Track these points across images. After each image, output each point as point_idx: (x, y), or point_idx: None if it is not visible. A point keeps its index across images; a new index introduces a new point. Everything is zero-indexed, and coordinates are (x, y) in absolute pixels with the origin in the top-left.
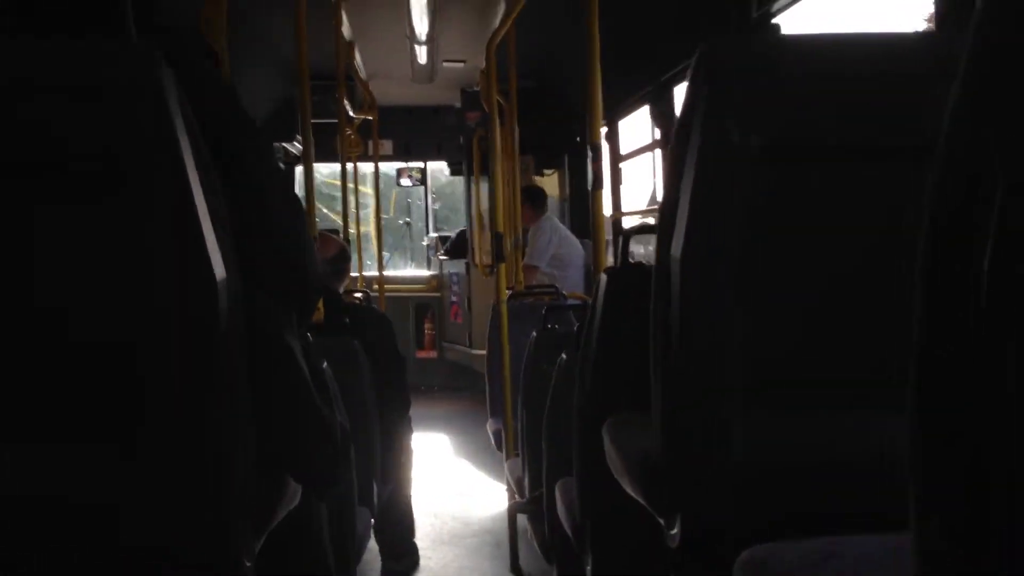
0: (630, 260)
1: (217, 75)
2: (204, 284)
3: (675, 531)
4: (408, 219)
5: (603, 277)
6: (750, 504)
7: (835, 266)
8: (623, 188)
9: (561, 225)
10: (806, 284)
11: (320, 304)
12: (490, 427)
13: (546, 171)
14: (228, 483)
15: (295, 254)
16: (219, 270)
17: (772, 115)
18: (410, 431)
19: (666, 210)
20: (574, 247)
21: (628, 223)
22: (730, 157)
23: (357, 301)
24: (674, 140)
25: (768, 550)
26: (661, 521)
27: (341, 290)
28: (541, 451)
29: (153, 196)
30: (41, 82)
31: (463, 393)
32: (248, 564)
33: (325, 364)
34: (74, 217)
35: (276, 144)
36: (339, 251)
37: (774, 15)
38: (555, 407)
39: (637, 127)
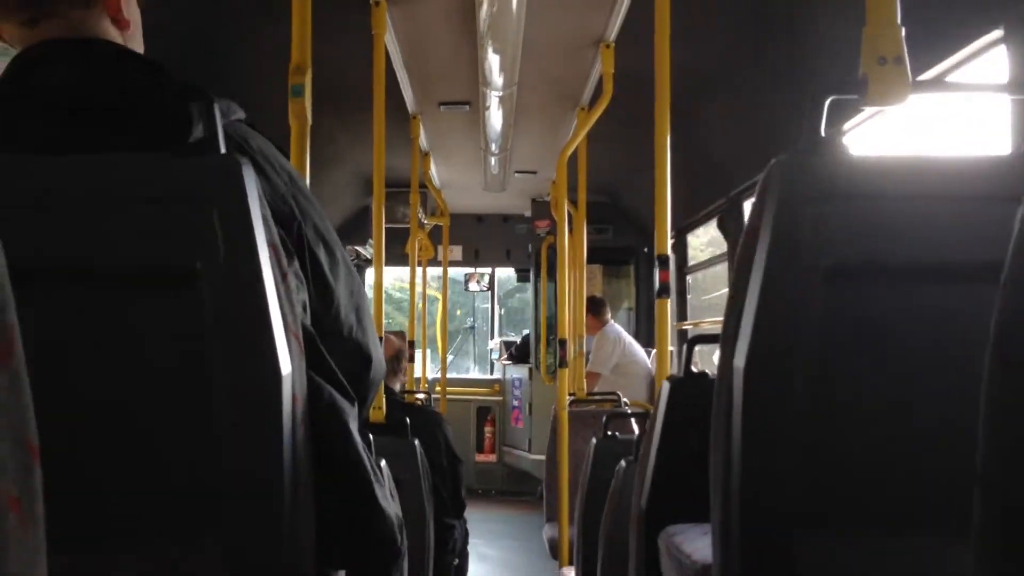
0: (693, 369)
1: (299, 182)
2: (269, 379)
3: None
4: (473, 322)
5: (665, 385)
6: None
7: (904, 389)
8: (690, 298)
9: (626, 334)
10: (873, 405)
11: (383, 403)
12: (546, 533)
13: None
14: None
15: (359, 341)
16: (285, 366)
17: (841, 235)
18: (465, 534)
19: (730, 319)
20: (638, 356)
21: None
22: (797, 275)
23: (418, 402)
24: (740, 250)
25: None
26: None
27: (398, 389)
28: (597, 560)
29: (226, 297)
30: (129, 194)
31: (522, 498)
32: None
33: (384, 462)
34: (150, 317)
35: (349, 247)
36: (396, 351)
37: (844, 134)
38: (612, 515)
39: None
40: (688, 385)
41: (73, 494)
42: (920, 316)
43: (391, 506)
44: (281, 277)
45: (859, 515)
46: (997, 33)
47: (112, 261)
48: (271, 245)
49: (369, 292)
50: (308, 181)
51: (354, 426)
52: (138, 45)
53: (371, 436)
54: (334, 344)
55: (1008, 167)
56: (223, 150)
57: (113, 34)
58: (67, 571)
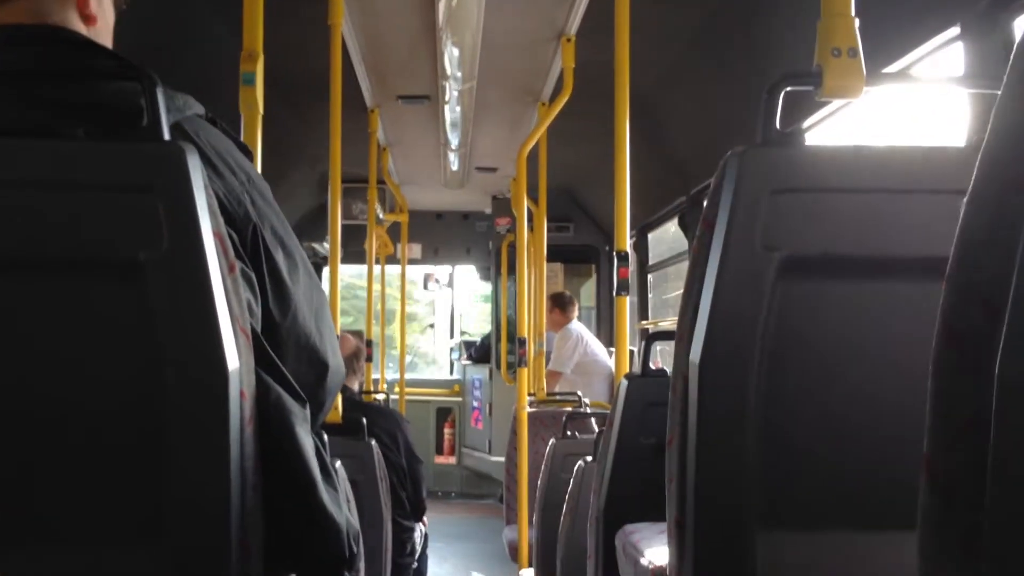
0: (652, 366)
1: (258, 183)
2: (216, 374)
3: None
4: (432, 322)
5: (623, 382)
6: None
7: (858, 383)
8: (652, 296)
9: (587, 332)
10: (828, 400)
11: (338, 403)
12: (505, 536)
13: (577, 279)
14: None
15: (316, 347)
16: (232, 361)
17: (796, 228)
18: (424, 537)
19: (686, 313)
20: (599, 355)
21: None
22: (751, 268)
23: (377, 402)
24: (695, 244)
25: None
26: None
27: (356, 388)
28: (555, 561)
29: (172, 290)
30: (70, 180)
31: (482, 501)
32: None
33: (339, 463)
34: (92, 309)
35: (305, 244)
36: (354, 349)
37: (803, 132)
38: (571, 516)
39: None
40: (646, 383)
41: (7, 489)
42: (874, 310)
43: (339, 511)
44: (228, 269)
45: (815, 510)
46: (954, 30)
47: (52, 250)
48: (217, 236)
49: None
50: (261, 173)
51: (302, 428)
52: (106, 44)
53: (326, 436)
54: (290, 350)
55: (962, 160)
56: (167, 137)
57: (79, 27)
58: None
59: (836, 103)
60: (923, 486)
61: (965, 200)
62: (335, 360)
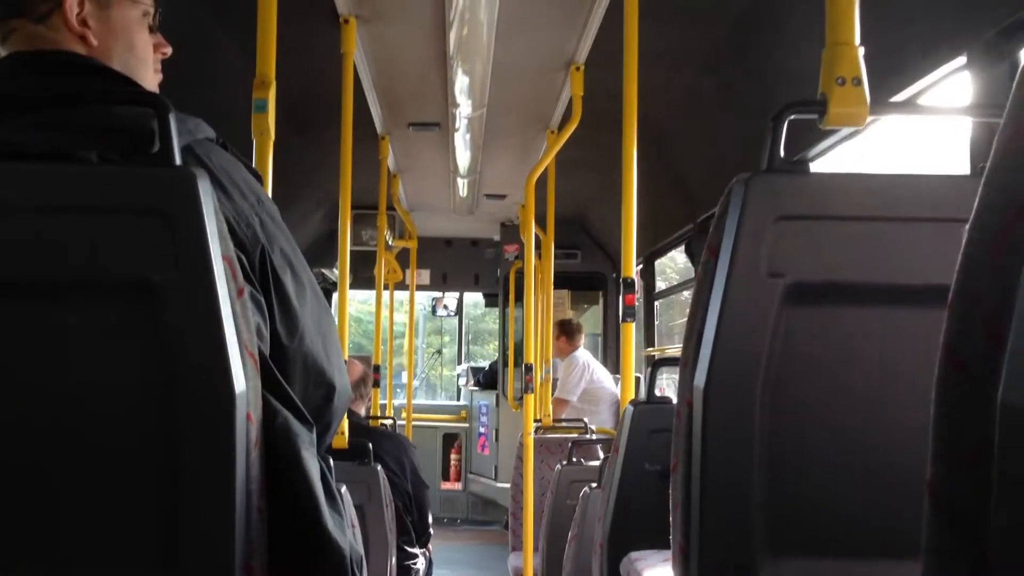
0: (658, 393)
1: (267, 205)
2: (223, 397)
3: None
4: (441, 349)
5: (628, 409)
6: None
7: (863, 411)
8: (659, 324)
9: (594, 360)
10: (833, 427)
11: (344, 428)
12: (511, 563)
13: (584, 306)
14: None
15: (323, 369)
16: (239, 384)
17: (800, 255)
18: (429, 564)
19: (690, 339)
20: (605, 382)
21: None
22: (756, 295)
23: (383, 427)
24: (700, 270)
25: None
26: None
27: (363, 413)
28: None
29: (181, 313)
30: (82, 204)
31: (488, 527)
32: None
33: (344, 488)
34: (102, 332)
35: (315, 270)
36: (362, 375)
37: (809, 160)
38: (576, 542)
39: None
40: (651, 409)
41: (15, 510)
42: (879, 337)
43: (343, 536)
44: (237, 293)
45: (820, 537)
46: (961, 60)
47: (63, 273)
48: (227, 260)
49: (334, 313)
50: (271, 198)
51: (307, 452)
52: (120, 65)
53: (332, 461)
54: (297, 372)
55: (966, 188)
56: (178, 162)
57: (78, 49)
58: None
59: (843, 131)
60: (927, 513)
61: (967, 227)
62: (342, 381)
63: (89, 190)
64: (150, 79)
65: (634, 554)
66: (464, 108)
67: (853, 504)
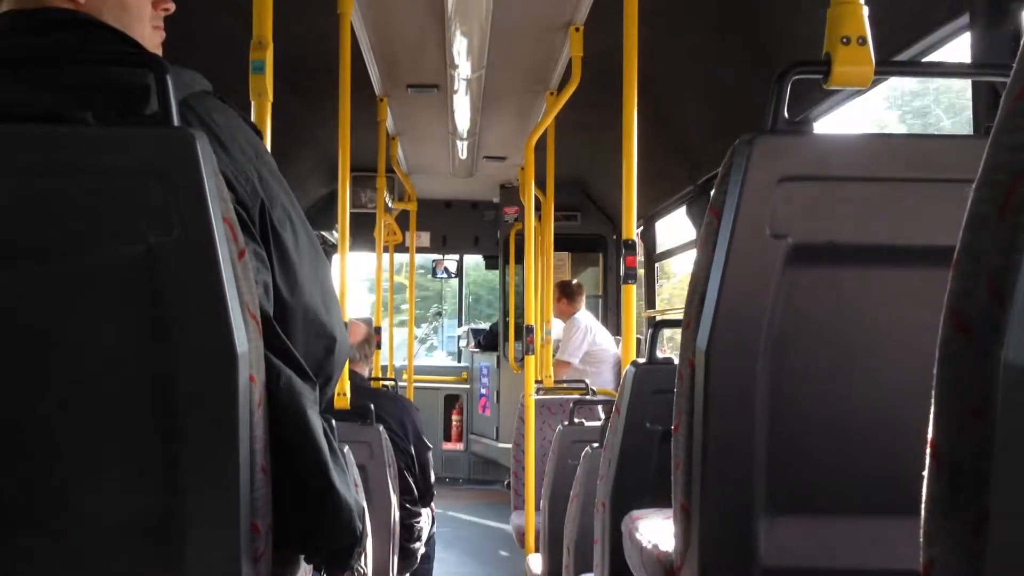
0: (659, 354)
1: (266, 158)
2: (225, 358)
3: None
4: (441, 310)
5: (630, 370)
6: None
7: (865, 372)
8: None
9: (595, 321)
10: (834, 387)
11: (347, 389)
12: (512, 521)
13: (584, 268)
14: (242, 560)
15: (323, 321)
16: (241, 344)
17: (804, 216)
18: (432, 522)
19: (693, 300)
20: (607, 343)
21: None
22: (758, 256)
23: (385, 389)
24: (703, 231)
25: None
26: None
27: (367, 375)
28: (562, 547)
29: (181, 275)
30: (79, 166)
31: (489, 487)
32: None
33: (347, 448)
34: (101, 295)
35: (315, 232)
36: (365, 336)
37: (812, 120)
38: (578, 502)
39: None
40: (653, 370)
41: (15, 478)
42: (881, 298)
43: (349, 492)
44: (237, 255)
45: (820, 496)
46: (963, 19)
47: (61, 236)
48: (227, 221)
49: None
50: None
51: (312, 410)
52: (113, 21)
53: (334, 422)
54: (298, 325)
55: (969, 149)
56: (176, 122)
57: (65, 5)
58: (8, 549)
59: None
60: (928, 472)
61: (973, 187)
62: (341, 333)
63: (85, 152)
64: (148, 36)
65: (635, 513)
66: (463, 69)
67: (852, 463)
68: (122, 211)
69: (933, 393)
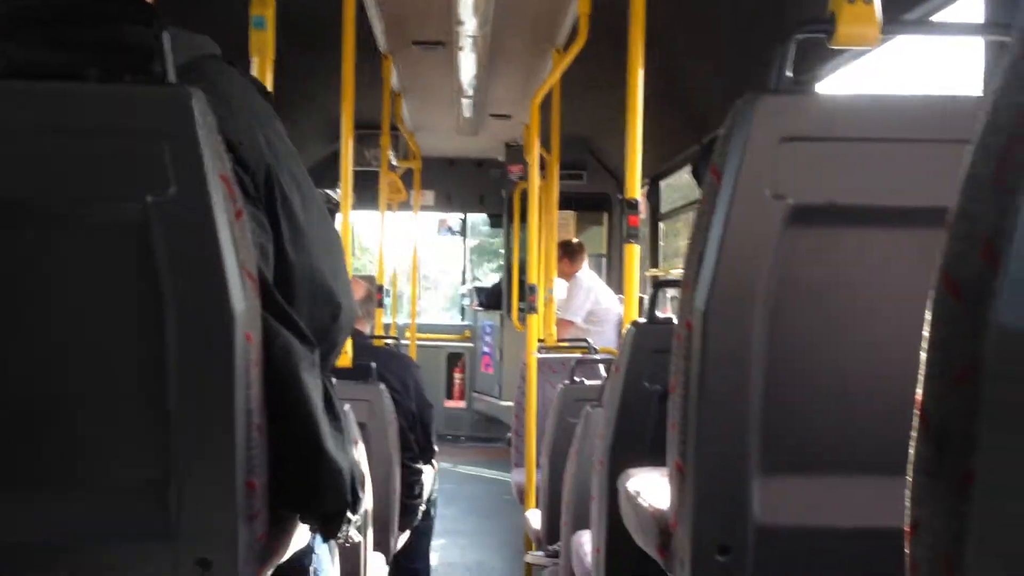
0: (659, 314)
1: (275, 123)
2: (222, 318)
3: None
4: (444, 269)
5: (630, 329)
6: (764, 564)
7: (860, 329)
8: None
9: (598, 280)
10: (829, 346)
11: (348, 347)
12: (513, 478)
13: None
14: (237, 518)
15: (331, 288)
16: (238, 304)
17: (805, 176)
18: (434, 479)
19: (692, 260)
20: (611, 303)
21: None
22: (759, 216)
23: (387, 347)
24: (704, 190)
25: None
26: None
27: (368, 332)
28: (560, 503)
29: (177, 234)
30: (76, 123)
31: (491, 444)
32: None
33: (347, 407)
34: (97, 253)
35: (319, 191)
36: (367, 293)
37: (816, 80)
38: (577, 460)
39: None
40: (653, 330)
41: (12, 434)
42: (881, 260)
43: (344, 455)
44: (235, 214)
45: (814, 455)
46: None
47: (58, 193)
48: (224, 180)
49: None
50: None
51: (308, 373)
52: None
53: (334, 380)
54: (304, 291)
55: (973, 109)
56: (173, 80)
57: None
58: (4, 508)
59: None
60: (916, 432)
61: (971, 147)
62: (348, 301)
63: (83, 109)
64: None
65: (632, 471)
66: (468, 26)
67: (847, 423)
68: (119, 169)
69: (923, 354)
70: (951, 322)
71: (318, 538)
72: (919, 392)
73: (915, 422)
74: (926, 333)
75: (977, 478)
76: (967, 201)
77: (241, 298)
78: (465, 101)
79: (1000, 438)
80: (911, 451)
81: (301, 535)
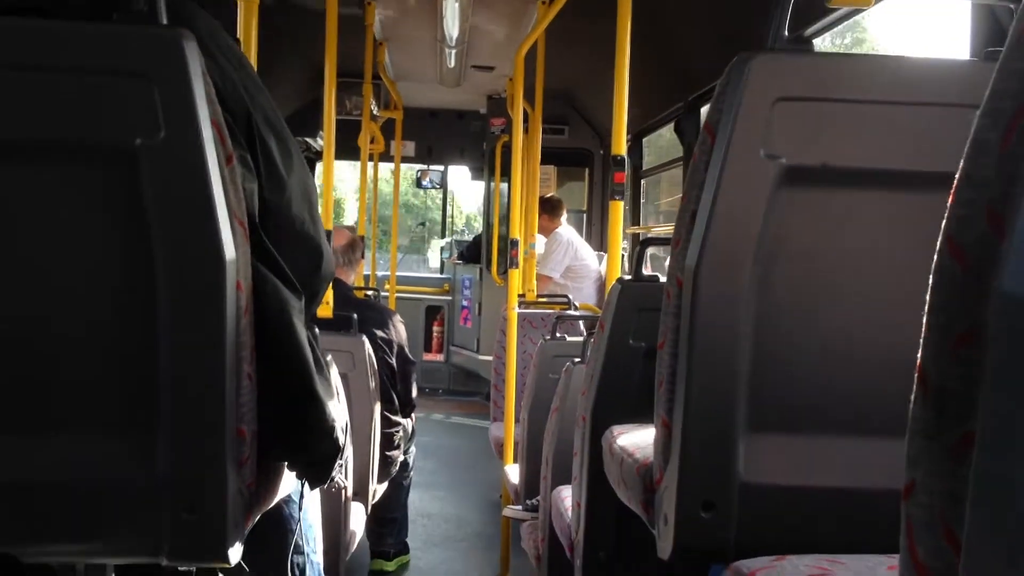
0: (644, 272)
1: (248, 69)
2: (213, 264)
3: (668, 543)
4: (425, 221)
5: (615, 286)
6: (747, 522)
7: (850, 291)
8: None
9: (578, 236)
10: (819, 307)
11: (329, 297)
12: (491, 432)
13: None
14: (227, 464)
15: (311, 234)
16: (229, 251)
17: (799, 137)
18: (412, 432)
19: (683, 219)
20: (590, 260)
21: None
22: (752, 176)
23: (368, 298)
24: (697, 148)
25: (756, 564)
26: (654, 531)
27: (351, 282)
28: (540, 458)
29: (168, 178)
30: (64, 63)
31: (469, 398)
32: (238, 545)
33: (329, 357)
34: (86, 196)
35: (299, 138)
36: (349, 241)
37: (811, 37)
38: (558, 415)
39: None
40: (638, 288)
41: (2, 378)
42: (871, 222)
43: (333, 404)
44: (226, 159)
45: (801, 415)
46: None
47: (46, 134)
48: (215, 125)
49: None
50: (256, 67)
51: (298, 320)
52: None
53: (317, 330)
54: (286, 237)
55: (969, 73)
56: (164, 21)
57: None
58: None
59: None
60: (916, 396)
61: (979, 113)
62: (327, 249)
63: (70, 48)
64: None
65: (616, 428)
66: None
67: (834, 384)
68: (107, 110)
69: (924, 319)
70: (953, 287)
71: (304, 486)
72: (920, 355)
73: (914, 385)
74: (928, 297)
75: (976, 442)
76: (973, 167)
77: (232, 245)
78: (448, 51)
79: (1000, 403)
80: (910, 414)
81: (288, 483)
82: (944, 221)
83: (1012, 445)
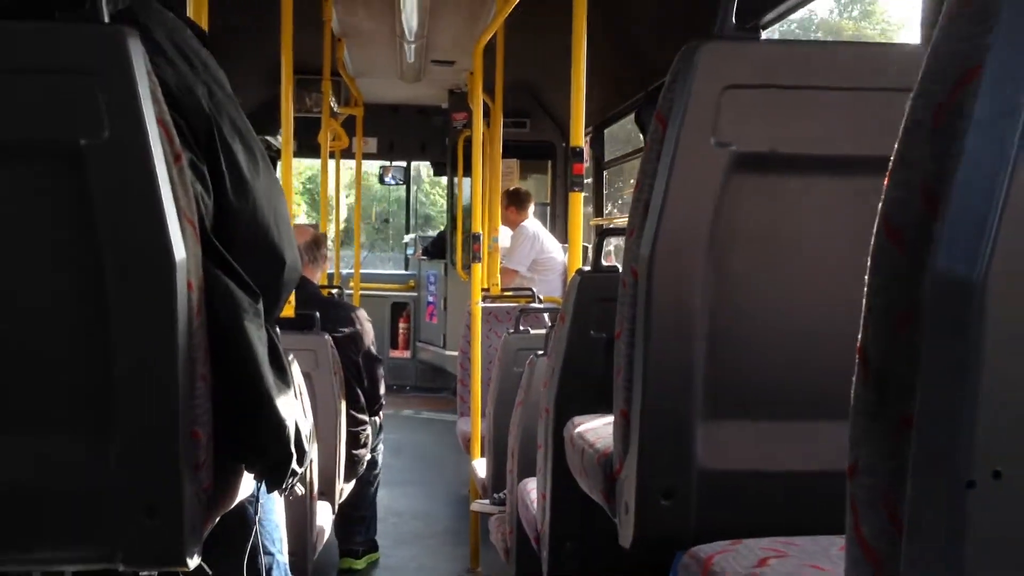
0: (604, 263)
1: (216, 73)
2: (161, 266)
3: (630, 531)
4: (388, 218)
5: (575, 278)
6: (707, 508)
7: (801, 277)
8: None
9: (543, 229)
10: (772, 293)
11: (291, 297)
12: (459, 428)
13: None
14: (182, 467)
15: (274, 243)
16: (179, 251)
17: (748, 123)
18: (379, 429)
19: (637, 207)
20: (555, 252)
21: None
22: (703, 164)
23: (332, 296)
24: (649, 137)
25: (714, 549)
26: (616, 521)
27: (316, 280)
28: (507, 452)
29: (114, 178)
30: (5, 62)
31: (436, 393)
32: (196, 549)
33: (291, 357)
34: (31, 197)
35: (261, 137)
36: (312, 239)
37: (763, 27)
38: (522, 408)
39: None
40: (598, 278)
41: None
42: (821, 207)
43: (288, 407)
44: (174, 159)
45: (757, 401)
46: None
47: None
48: (162, 124)
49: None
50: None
51: (251, 323)
52: None
53: (279, 330)
54: (248, 244)
55: (910, 58)
56: (106, 19)
57: None
58: None
59: None
60: (857, 377)
61: (911, 96)
62: (292, 255)
63: (11, 47)
64: None
65: (577, 419)
66: None
67: (788, 369)
68: (50, 110)
69: (864, 301)
70: (891, 268)
71: (264, 487)
72: (860, 337)
73: (856, 367)
74: (867, 279)
75: (916, 421)
76: (906, 148)
77: (182, 245)
78: (408, 46)
79: (939, 381)
80: (852, 395)
81: (247, 485)
82: (880, 203)
83: (949, 425)
